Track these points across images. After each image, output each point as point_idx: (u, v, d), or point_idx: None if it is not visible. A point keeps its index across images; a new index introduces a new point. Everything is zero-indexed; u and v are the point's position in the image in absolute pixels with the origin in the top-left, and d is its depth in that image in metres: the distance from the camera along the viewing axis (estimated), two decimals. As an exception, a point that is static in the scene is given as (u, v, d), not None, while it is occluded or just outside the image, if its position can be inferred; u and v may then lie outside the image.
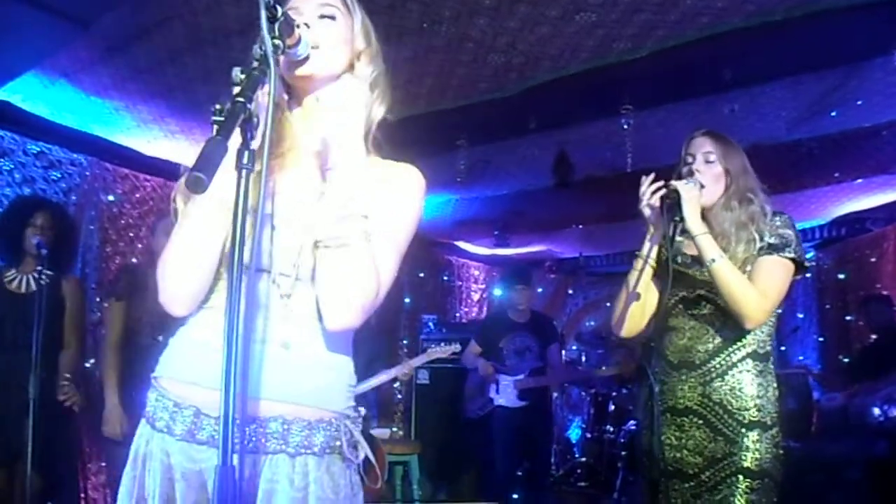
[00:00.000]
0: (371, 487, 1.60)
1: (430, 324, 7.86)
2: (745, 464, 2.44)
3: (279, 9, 1.34)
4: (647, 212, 2.64)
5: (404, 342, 8.10)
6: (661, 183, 2.61)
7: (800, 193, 6.75)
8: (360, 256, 1.43)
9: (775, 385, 2.56)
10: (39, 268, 3.69)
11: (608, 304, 9.56)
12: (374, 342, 5.94)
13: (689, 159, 2.65)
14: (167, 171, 5.75)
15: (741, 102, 4.67)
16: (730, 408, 2.49)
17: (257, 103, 1.24)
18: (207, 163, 1.10)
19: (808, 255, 8.18)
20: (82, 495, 5.12)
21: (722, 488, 2.45)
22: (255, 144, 1.22)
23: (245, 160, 1.18)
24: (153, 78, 4.45)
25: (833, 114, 4.96)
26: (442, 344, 5.61)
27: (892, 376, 5.53)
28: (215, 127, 1.17)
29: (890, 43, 3.92)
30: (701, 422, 2.52)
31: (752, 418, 2.47)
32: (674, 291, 2.58)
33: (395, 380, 5.26)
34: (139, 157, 5.71)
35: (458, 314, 9.47)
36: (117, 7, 3.63)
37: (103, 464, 5.20)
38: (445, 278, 9.25)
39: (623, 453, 6.54)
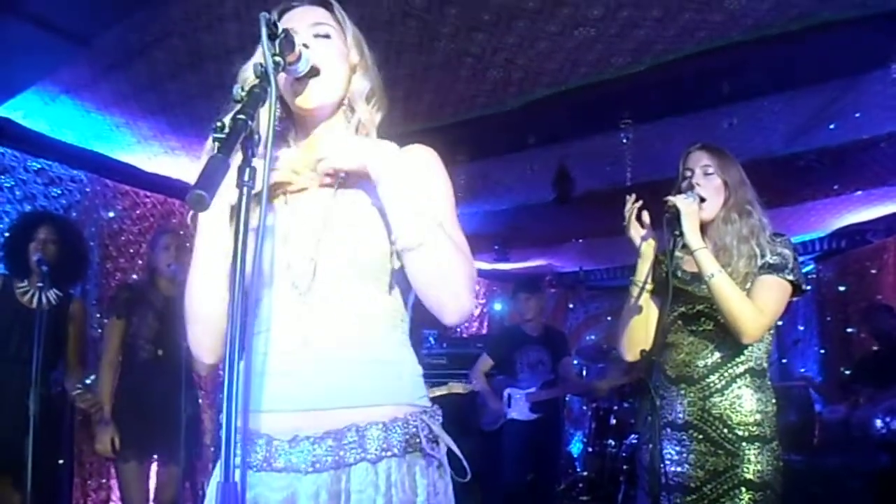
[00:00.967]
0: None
1: (431, 338, 7.84)
2: (748, 476, 2.44)
3: (279, 26, 1.35)
4: (631, 233, 2.65)
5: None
6: (640, 203, 2.64)
7: (799, 206, 6.76)
8: (444, 247, 1.43)
9: (774, 400, 2.56)
10: (40, 285, 3.69)
11: (609, 318, 9.61)
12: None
13: (688, 173, 2.66)
14: (168, 187, 5.77)
15: (740, 116, 4.68)
16: (729, 422, 2.49)
17: (259, 120, 1.24)
18: (209, 180, 1.10)
19: (808, 268, 8.21)
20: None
21: (724, 501, 2.45)
22: (256, 162, 1.22)
23: (246, 177, 1.18)
24: (154, 94, 4.46)
25: (832, 126, 4.98)
26: (463, 381, 5.63)
27: (894, 388, 5.52)
28: (217, 144, 1.17)
29: (887, 55, 3.94)
30: (701, 436, 2.53)
31: (751, 432, 2.47)
32: (673, 307, 2.59)
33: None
34: (139, 173, 5.72)
35: (458, 329, 9.45)
36: (118, 24, 3.65)
37: (103, 480, 5.19)
38: (446, 293, 9.18)
39: (625, 467, 6.52)
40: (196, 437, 4.25)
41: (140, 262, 5.58)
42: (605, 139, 4.94)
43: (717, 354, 2.55)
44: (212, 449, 4.45)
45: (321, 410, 1.44)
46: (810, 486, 5.18)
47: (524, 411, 5.82)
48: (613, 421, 7.26)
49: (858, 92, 4.43)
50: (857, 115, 4.77)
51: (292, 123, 1.65)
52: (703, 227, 2.54)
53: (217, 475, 1.54)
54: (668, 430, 2.58)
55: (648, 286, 2.68)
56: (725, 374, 2.53)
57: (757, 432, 2.47)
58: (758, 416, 2.49)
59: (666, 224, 2.52)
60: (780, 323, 2.52)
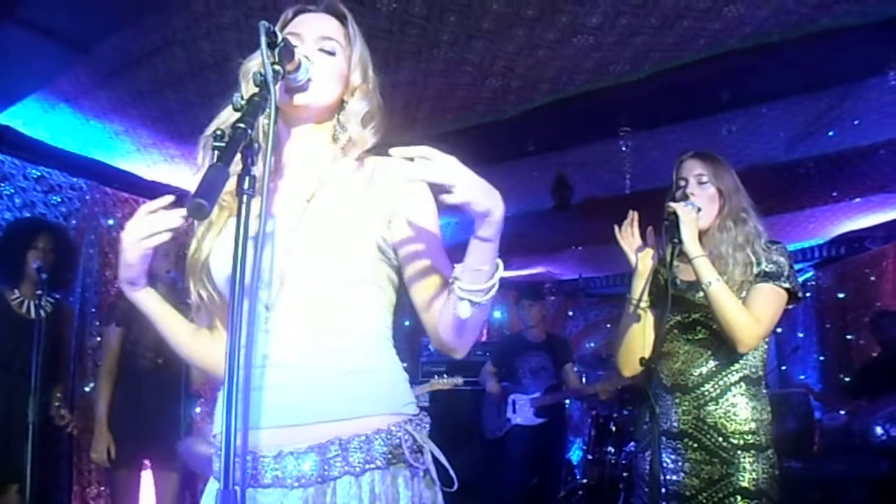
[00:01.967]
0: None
1: (430, 347, 7.83)
2: (743, 484, 2.43)
3: (279, 34, 1.35)
4: (623, 245, 2.65)
5: (404, 365, 8.05)
6: (637, 218, 2.64)
7: (798, 213, 6.77)
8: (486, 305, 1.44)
9: (769, 408, 2.55)
10: (39, 292, 3.68)
11: (608, 326, 9.60)
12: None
13: (682, 183, 2.64)
14: (167, 195, 5.76)
15: (739, 123, 4.69)
16: (724, 431, 2.48)
17: (258, 128, 1.25)
18: (209, 189, 1.10)
19: (807, 275, 8.21)
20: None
21: (720, 509, 2.45)
22: (256, 170, 1.22)
23: (246, 185, 1.18)
24: (153, 102, 4.47)
25: (830, 133, 4.98)
26: (445, 376, 5.61)
27: (894, 395, 5.51)
28: (216, 153, 1.17)
29: (885, 62, 3.94)
30: (696, 445, 2.52)
31: (746, 440, 2.46)
32: (669, 316, 2.58)
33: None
34: (139, 181, 5.73)
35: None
36: (118, 32, 3.66)
37: (102, 488, 5.18)
38: (445, 301, 9.18)
39: (624, 475, 6.49)
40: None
41: (139, 269, 5.57)
42: (603, 147, 4.95)
43: (712, 363, 2.54)
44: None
45: (304, 425, 1.43)
46: (810, 493, 5.17)
47: (529, 416, 5.84)
48: (613, 428, 7.23)
49: (857, 99, 4.44)
50: (856, 122, 4.78)
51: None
52: (699, 236, 2.53)
53: (209, 489, 1.55)
54: (664, 438, 2.57)
55: (644, 303, 2.67)
56: (720, 383, 2.52)
57: (752, 440, 2.46)
58: (753, 425, 2.48)
59: (665, 231, 2.51)
60: (779, 330, 2.52)
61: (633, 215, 2.66)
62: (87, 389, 4.21)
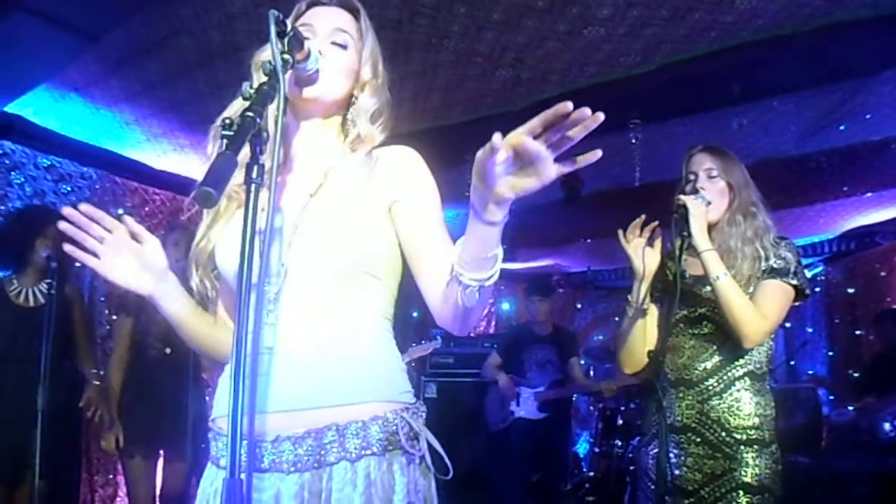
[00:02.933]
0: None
1: (438, 338, 7.84)
2: (745, 479, 2.42)
3: (288, 24, 1.35)
4: (625, 246, 2.63)
5: (413, 358, 8.08)
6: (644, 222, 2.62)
7: (809, 207, 6.74)
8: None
9: (773, 404, 2.54)
10: (49, 281, 3.67)
11: (617, 319, 9.58)
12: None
13: (692, 177, 2.63)
14: (176, 184, 5.78)
15: (750, 117, 4.67)
16: (727, 426, 2.48)
17: (267, 118, 1.24)
18: (217, 177, 1.10)
19: (816, 270, 8.18)
20: (89, 508, 5.13)
21: (722, 504, 2.45)
22: (264, 159, 1.22)
23: (254, 175, 1.18)
24: (163, 92, 4.48)
25: (842, 128, 4.96)
26: (422, 342, 5.60)
27: (903, 391, 5.50)
28: (225, 142, 1.17)
29: (898, 57, 3.92)
30: (699, 439, 2.51)
31: (749, 436, 2.46)
32: (676, 310, 2.57)
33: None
34: (149, 170, 5.75)
35: (466, 328, 9.44)
36: (128, 21, 3.66)
37: (111, 476, 5.21)
38: (453, 292, 9.17)
39: (631, 468, 6.49)
40: (203, 435, 4.26)
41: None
42: (613, 139, 4.93)
43: (717, 357, 2.54)
44: (202, 446, 4.46)
45: (301, 410, 1.44)
46: (817, 488, 5.16)
47: (532, 410, 5.84)
48: (620, 421, 7.23)
49: (869, 93, 4.42)
50: (868, 116, 4.75)
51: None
52: (708, 230, 2.52)
53: (207, 475, 1.55)
54: (668, 433, 2.57)
55: (644, 306, 2.65)
56: (725, 377, 2.52)
57: (755, 436, 2.46)
58: (756, 420, 2.47)
59: (674, 224, 2.50)
60: (788, 325, 2.51)
61: (639, 219, 2.64)
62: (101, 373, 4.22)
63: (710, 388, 2.52)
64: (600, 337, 10.05)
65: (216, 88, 4.26)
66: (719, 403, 2.50)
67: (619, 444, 6.99)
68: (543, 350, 5.99)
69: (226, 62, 3.97)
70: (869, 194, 6.51)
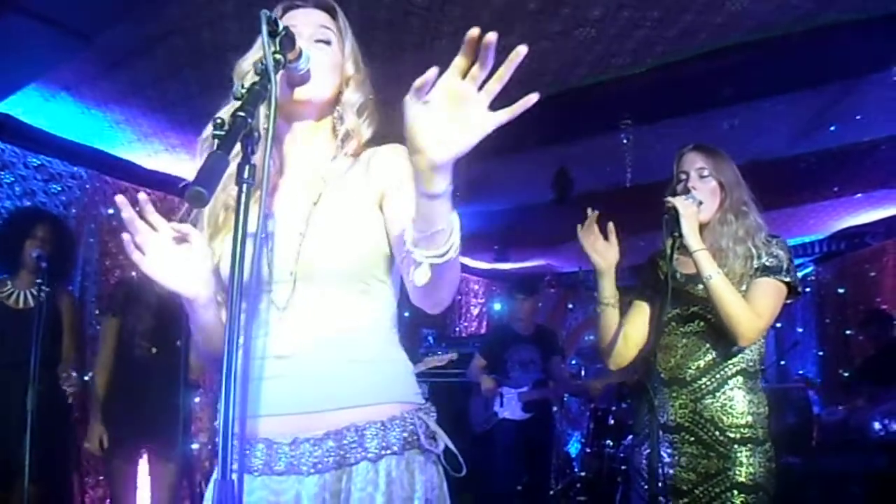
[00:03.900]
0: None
1: (430, 338, 7.85)
2: (740, 479, 2.42)
3: (280, 24, 1.35)
4: (587, 249, 2.64)
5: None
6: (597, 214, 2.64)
7: (799, 208, 6.76)
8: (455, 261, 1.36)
9: (766, 402, 2.55)
10: (39, 282, 3.65)
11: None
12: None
13: (683, 176, 2.63)
14: (167, 184, 5.75)
15: (741, 117, 4.68)
16: (721, 424, 2.48)
17: (258, 118, 1.24)
18: (208, 176, 1.10)
19: (807, 270, 8.20)
20: (80, 509, 5.10)
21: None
22: (256, 159, 1.21)
23: (246, 174, 1.18)
24: (154, 92, 4.46)
25: (832, 129, 4.98)
26: (439, 353, 5.59)
27: (893, 390, 5.52)
28: (216, 141, 1.16)
29: (888, 58, 3.94)
30: (692, 439, 2.51)
31: (743, 434, 2.45)
32: (668, 309, 2.57)
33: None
34: (139, 170, 5.72)
35: (457, 328, 9.45)
36: (119, 22, 3.65)
37: (101, 477, 5.19)
38: (445, 293, 9.19)
39: (623, 468, 6.50)
40: (192, 436, 4.26)
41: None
42: (605, 140, 4.94)
43: (710, 356, 2.54)
44: (209, 447, 4.45)
45: (320, 412, 1.45)
46: (808, 487, 5.18)
47: (516, 411, 5.82)
48: (612, 421, 7.24)
49: (859, 94, 4.44)
50: (858, 117, 4.77)
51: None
52: (700, 230, 2.52)
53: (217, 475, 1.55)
54: (661, 432, 2.56)
55: (612, 300, 2.67)
56: (718, 376, 2.52)
57: (749, 434, 2.46)
58: (749, 419, 2.47)
59: (665, 225, 2.51)
60: (779, 325, 2.51)
61: (593, 215, 2.65)
62: (85, 379, 4.19)
63: (704, 386, 2.52)
64: (591, 337, 10.05)
65: (207, 88, 4.25)
66: (712, 402, 2.50)
67: (611, 444, 6.99)
68: (526, 349, 5.98)
69: (217, 62, 3.92)
70: (859, 195, 6.54)
